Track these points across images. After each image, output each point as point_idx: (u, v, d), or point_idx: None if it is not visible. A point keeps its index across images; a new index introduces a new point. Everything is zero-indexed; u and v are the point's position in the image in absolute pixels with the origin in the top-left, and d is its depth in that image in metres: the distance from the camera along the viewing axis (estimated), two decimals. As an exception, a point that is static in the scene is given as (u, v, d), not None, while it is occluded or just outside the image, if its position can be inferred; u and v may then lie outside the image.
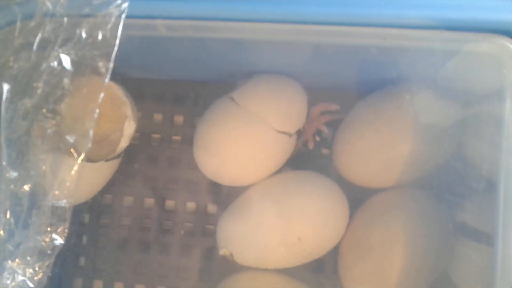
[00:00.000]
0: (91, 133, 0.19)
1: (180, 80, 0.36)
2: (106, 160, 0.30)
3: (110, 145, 0.30)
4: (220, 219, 0.32)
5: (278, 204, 0.30)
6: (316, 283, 0.32)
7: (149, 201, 0.36)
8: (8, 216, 0.21)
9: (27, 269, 0.21)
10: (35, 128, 0.20)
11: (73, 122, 0.21)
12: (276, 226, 0.29)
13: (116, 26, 0.20)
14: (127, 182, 0.36)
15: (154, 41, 0.26)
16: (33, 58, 0.20)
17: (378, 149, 0.29)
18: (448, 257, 0.28)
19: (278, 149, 0.31)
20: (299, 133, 0.32)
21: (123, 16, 0.20)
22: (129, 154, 0.34)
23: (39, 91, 0.20)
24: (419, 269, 0.28)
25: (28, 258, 0.21)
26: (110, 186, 0.34)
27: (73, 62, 0.20)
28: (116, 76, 0.29)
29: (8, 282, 0.21)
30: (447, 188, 0.28)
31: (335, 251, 0.31)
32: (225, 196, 0.34)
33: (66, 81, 0.20)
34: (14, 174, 0.21)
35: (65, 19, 0.20)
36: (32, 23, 0.21)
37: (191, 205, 0.35)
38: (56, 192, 0.20)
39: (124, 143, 0.30)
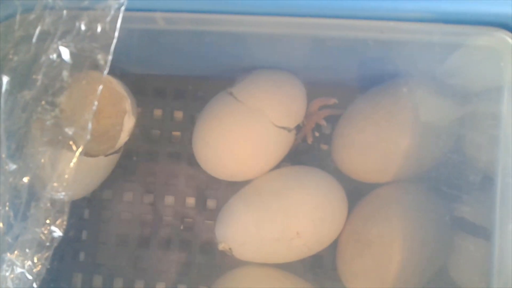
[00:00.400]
0: (90, 125, 0.19)
1: (180, 75, 0.36)
2: (106, 155, 0.30)
3: (110, 140, 0.30)
4: (219, 214, 0.32)
5: (277, 199, 0.30)
6: (315, 278, 0.33)
7: (149, 196, 0.36)
8: (7, 208, 0.21)
9: (25, 261, 0.21)
10: (34, 120, 0.21)
11: (72, 115, 0.21)
12: (275, 221, 0.29)
13: (115, 18, 0.20)
14: (127, 177, 0.36)
15: (154, 35, 0.26)
16: (33, 51, 0.20)
17: (377, 144, 0.29)
18: (446, 251, 0.28)
19: (277, 144, 0.31)
20: (298, 128, 0.32)
21: (122, 8, 0.20)
22: (129, 149, 0.34)
23: (38, 83, 0.20)
24: (417, 263, 0.28)
25: (27, 250, 0.21)
26: (110, 181, 0.34)
27: (72, 55, 0.20)
28: (116, 71, 0.29)
29: (7, 274, 0.21)
30: (445, 183, 0.28)
31: (334, 246, 0.31)
32: (224, 191, 0.34)
33: (65, 73, 0.20)
34: (13, 166, 0.21)
35: (65, 11, 0.20)
36: (32, 16, 0.21)
37: (190, 200, 0.35)
38: (55, 185, 0.20)
39: (123, 138, 0.30)
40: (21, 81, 0.20)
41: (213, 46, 0.27)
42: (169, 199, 0.35)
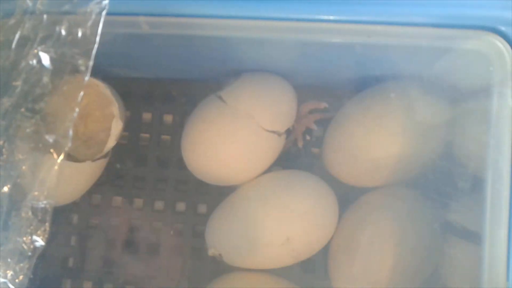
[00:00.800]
0: (70, 132, 0.19)
1: (168, 79, 0.35)
2: (93, 160, 0.30)
3: (97, 144, 0.30)
4: (209, 219, 0.31)
5: (267, 203, 0.29)
6: (307, 283, 0.32)
7: (138, 201, 0.35)
8: (-12, 217, 0.20)
9: (8, 271, 0.20)
10: (14, 127, 0.20)
11: (54, 121, 0.21)
12: (265, 226, 0.29)
13: (96, 23, 0.19)
14: (116, 182, 0.35)
15: (139, 39, 0.25)
16: (12, 56, 0.20)
17: (367, 148, 0.29)
18: (437, 257, 0.27)
19: (267, 148, 0.30)
20: (289, 132, 0.32)
21: (104, 13, 0.20)
22: (118, 153, 0.34)
23: (18, 89, 0.19)
24: (408, 268, 0.28)
25: (9, 260, 0.20)
26: (98, 186, 0.34)
27: (52, 60, 0.20)
28: (103, 75, 0.29)
29: (-11, 284, 0.21)
30: (435, 187, 0.27)
31: (325, 251, 0.31)
32: (214, 196, 0.34)
33: (45, 79, 0.19)
34: (-7, 174, 0.20)
35: (45, 16, 0.20)
36: (12, 21, 0.20)
37: (180, 205, 0.35)
38: (36, 193, 0.20)
39: (111, 142, 0.30)
40: (0, 88, 0.20)
41: (201, 50, 0.27)
42: (159, 204, 0.35)
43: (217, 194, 0.34)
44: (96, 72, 0.21)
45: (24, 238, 0.20)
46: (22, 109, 0.20)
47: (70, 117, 0.19)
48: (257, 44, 0.25)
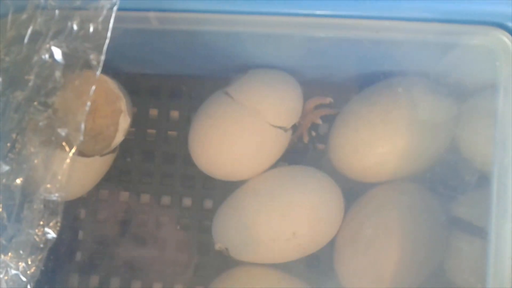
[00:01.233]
0: (82, 126, 0.19)
1: (175, 75, 0.35)
2: (101, 155, 0.30)
3: (105, 140, 0.30)
4: (215, 214, 0.32)
5: (273, 199, 0.30)
6: (312, 278, 0.32)
7: (145, 197, 0.35)
8: (0, 210, 0.21)
9: (19, 263, 0.21)
10: (27, 121, 0.20)
11: (65, 115, 0.21)
12: (271, 221, 0.29)
13: (107, 18, 0.20)
14: (123, 177, 0.36)
15: (148, 34, 0.25)
16: (25, 51, 0.20)
17: (372, 143, 0.29)
18: (443, 251, 0.27)
19: (274, 143, 0.30)
20: (295, 127, 0.32)
21: (115, 8, 0.20)
22: (125, 149, 0.34)
23: (30, 84, 0.20)
24: (414, 263, 0.28)
25: (21, 252, 0.20)
26: (105, 181, 0.34)
27: (64, 55, 0.20)
28: (111, 71, 0.29)
29: (1, 276, 0.21)
30: (441, 182, 0.27)
31: (331, 246, 0.31)
32: (220, 191, 0.34)
33: (57, 73, 0.20)
34: (6, 167, 0.21)
35: (57, 11, 0.20)
36: (24, 16, 0.20)
37: (187, 201, 0.35)
38: (48, 186, 0.20)
39: (119, 138, 0.30)
40: (13, 82, 0.20)
41: (209, 46, 0.27)
42: (166, 199, 0.35)
43: (223, 189, 0.34)
44: (104, 68, 0.21)
45: (36, 230, 0.20)
46: (35, 103, 0.20)
47: (82, 111, 0.19)
48: (264, 40, 0.26)
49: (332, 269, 0.31)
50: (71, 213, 0.35)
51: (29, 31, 0.20)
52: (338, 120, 0.31)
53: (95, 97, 0.30)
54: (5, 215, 0.21)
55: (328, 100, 0.33)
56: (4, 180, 0.20)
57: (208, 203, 0.35)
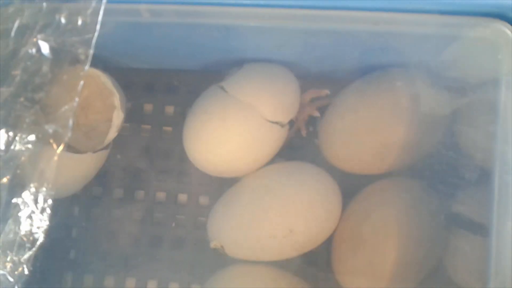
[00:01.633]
0: (70, 122, 0.19)
1: (170, 69, 0.35)
2: (95, 151, 0.30)
3: (98, 136, 0.30)
4: (211, 211, 0.31)
5: (269, 195, 0.29)
6: (310, 276, 0.32)
7: (140, 193, 0.35)
8: (-13, 209, 0.20)
9: (6, 263, 0.20)
10: (13, 117, 0.20)
11: (54, 111, 0.20)
12: (268, 218, 0.29)
13: (96, 11, 0.19)
14: (117, 174, 0.35)
15: (140, 27, 0.25)
16: (11, 45, 0.19)
17: (357, 132, 0.29)
18: (442, 249, 0.27)
19: (270, 139, 0.30)
20: (292, 123, 0.31)
21: (104, 1, 0.19)
22: (119, 145, 0.34)
23: (17, 79, 0.19)
24: (413, 260, 0.27)
25: (8, 252, 0.20)
26: (99, 178, 0.33)
27: (52, 49, 0.19)
28: (104, 65, 0.29)
29: (-12, 276, 0.20)
30: (441, 178, 0.27)
31: (328, 243, 0.30)
32: (216, 187, 0.34)
33: (45, 68, 0.19)
34: (-8, 165, 0.20)
35: (44, 4, 0.20)
36: (11, 9, 0.20)
37: (182, 197, 0.35)
38: (36, 184, 0.19)
39: (112, 134, 0.30)
40: (-1, 77, 0.19)
41: (202, 39, 0.27)
42: (161, 196, 0.35)
43: (219, 185, 0.34)
44: (97, 63, 0.21)
45: (24, 230, 0.20)
46: (21, 99, 0.19)
47: (70, 107, 0.19)
48: (260, 32, 0.25)
49: (329, 267, 0.31)
50: (64, 210, 0.35)
51: (16, 24, 0.19)
52: (327, 111, 0.31)
53: (87, 92, 0.30)
54: (-8, 214, 0.20)
55: (325, 92, 0.32)
56: (-9, 179, 0.20)
57: (204, 200, 0.35)
